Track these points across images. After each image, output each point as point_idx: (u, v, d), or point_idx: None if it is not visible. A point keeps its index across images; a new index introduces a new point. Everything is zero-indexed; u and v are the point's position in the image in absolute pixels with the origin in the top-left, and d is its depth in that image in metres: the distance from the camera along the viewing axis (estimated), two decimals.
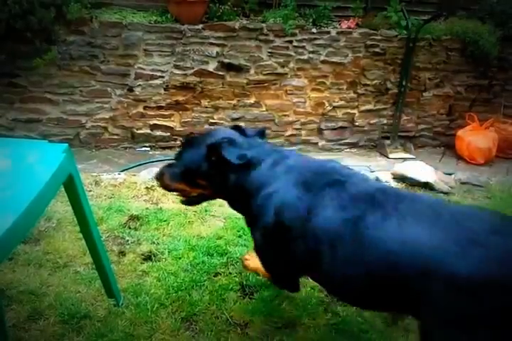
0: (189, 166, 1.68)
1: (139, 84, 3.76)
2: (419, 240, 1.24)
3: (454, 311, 1.19)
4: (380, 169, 3.60)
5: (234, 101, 3.97)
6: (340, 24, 4.07)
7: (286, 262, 1.61)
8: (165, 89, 3.82)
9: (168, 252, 2.26)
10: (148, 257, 2.23)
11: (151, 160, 3.67)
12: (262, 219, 1.57)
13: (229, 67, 3.84)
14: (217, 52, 3.78)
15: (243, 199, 1.63)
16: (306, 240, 1.44)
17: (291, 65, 3.97)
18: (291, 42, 3.90)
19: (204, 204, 1.96)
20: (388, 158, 4.17)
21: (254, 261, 1.92)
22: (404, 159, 4.09)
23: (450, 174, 3.58)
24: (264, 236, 1.64)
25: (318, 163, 1.63)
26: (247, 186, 1.60)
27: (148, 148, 4.03)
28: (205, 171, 1.64)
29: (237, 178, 1.61)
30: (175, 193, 1.86)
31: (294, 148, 4.14)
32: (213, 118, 3.97)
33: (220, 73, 3.85)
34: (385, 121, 4.40)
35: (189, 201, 1.85)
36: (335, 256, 1.37)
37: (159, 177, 1.79)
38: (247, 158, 1.58)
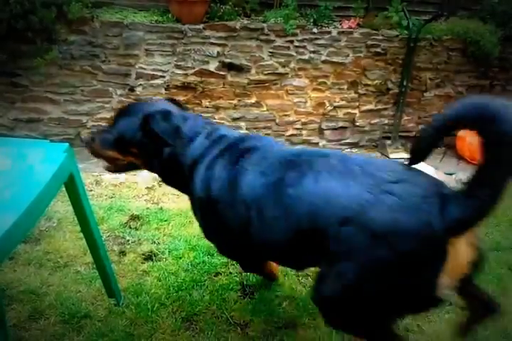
0: (123, 133, 1.65)
1: (140, 84, 3.76)
2: (336, 191, 1.32)
3: (368, 254, 1.26)
4: None
5: (235, 101, 3.97)
6: (341, 24, 4.06)
7: (229, 237, 1.63)
8: (166, 89, 3.82)
9: (169, 252, 2.27)
10: (148, 257, 2.23)
11: None
12: (196, 194, 1.60)
13: (230, 67, 3.84)
14: (218, 52, 3.78)
15: (178, 173, 1.64)
16: (236, 210, 1.49)
17: (292, 64, 3.97)
18: (292, 42, 3.90)
19: None
20: (389, 158, 4.17)
21: None
22: (405, 159, 4.08)
23: (451, 174, 3.58)
24: (201, 212, 1.67)
25: (241, 136, 1.67)
26: (182, 160, 1.61)
27: None
28: (139, 140, 1.63)
29: (172, 152, 1.61)
30: (102, 159, 1.78)
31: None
32: (214, 118, 3.96)
33: (221, 73, 3.84)
34: (385, 121, 4.40)
35: (116, 168, 1.81)
36: (262, 219, 1.43)
37: (89, 142, 1.72)
38: (181, 136, 1.59)
